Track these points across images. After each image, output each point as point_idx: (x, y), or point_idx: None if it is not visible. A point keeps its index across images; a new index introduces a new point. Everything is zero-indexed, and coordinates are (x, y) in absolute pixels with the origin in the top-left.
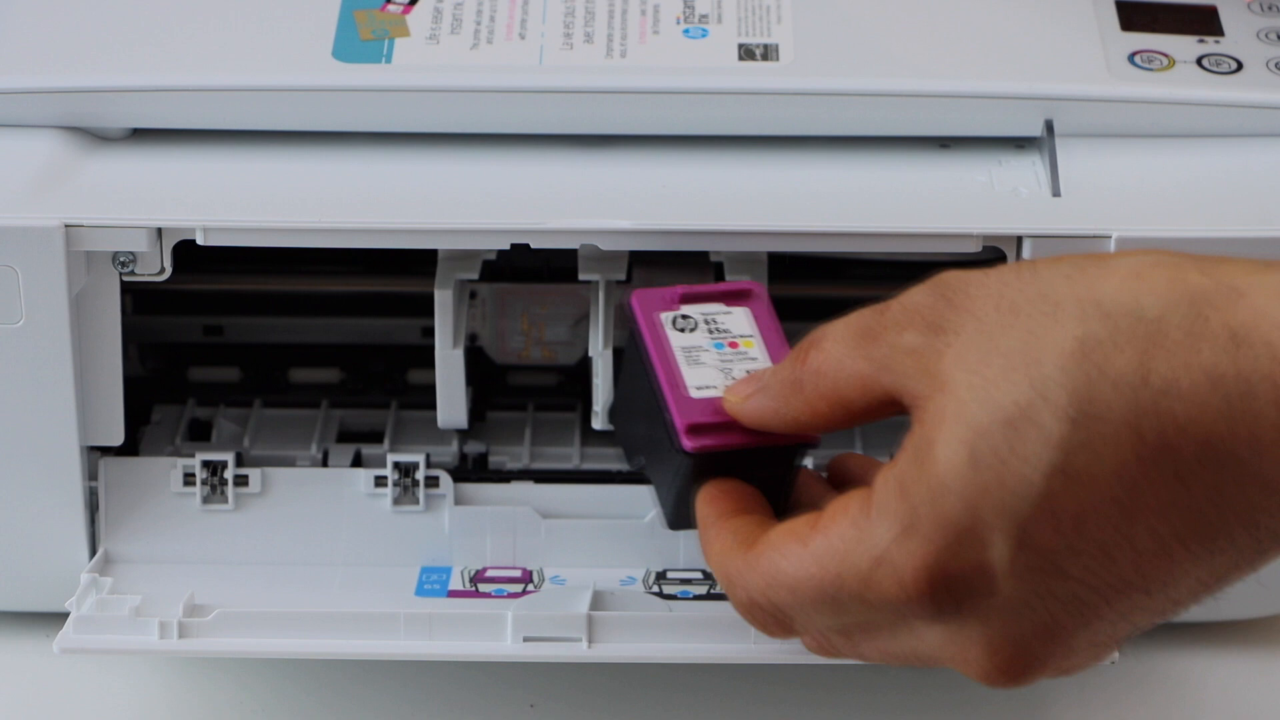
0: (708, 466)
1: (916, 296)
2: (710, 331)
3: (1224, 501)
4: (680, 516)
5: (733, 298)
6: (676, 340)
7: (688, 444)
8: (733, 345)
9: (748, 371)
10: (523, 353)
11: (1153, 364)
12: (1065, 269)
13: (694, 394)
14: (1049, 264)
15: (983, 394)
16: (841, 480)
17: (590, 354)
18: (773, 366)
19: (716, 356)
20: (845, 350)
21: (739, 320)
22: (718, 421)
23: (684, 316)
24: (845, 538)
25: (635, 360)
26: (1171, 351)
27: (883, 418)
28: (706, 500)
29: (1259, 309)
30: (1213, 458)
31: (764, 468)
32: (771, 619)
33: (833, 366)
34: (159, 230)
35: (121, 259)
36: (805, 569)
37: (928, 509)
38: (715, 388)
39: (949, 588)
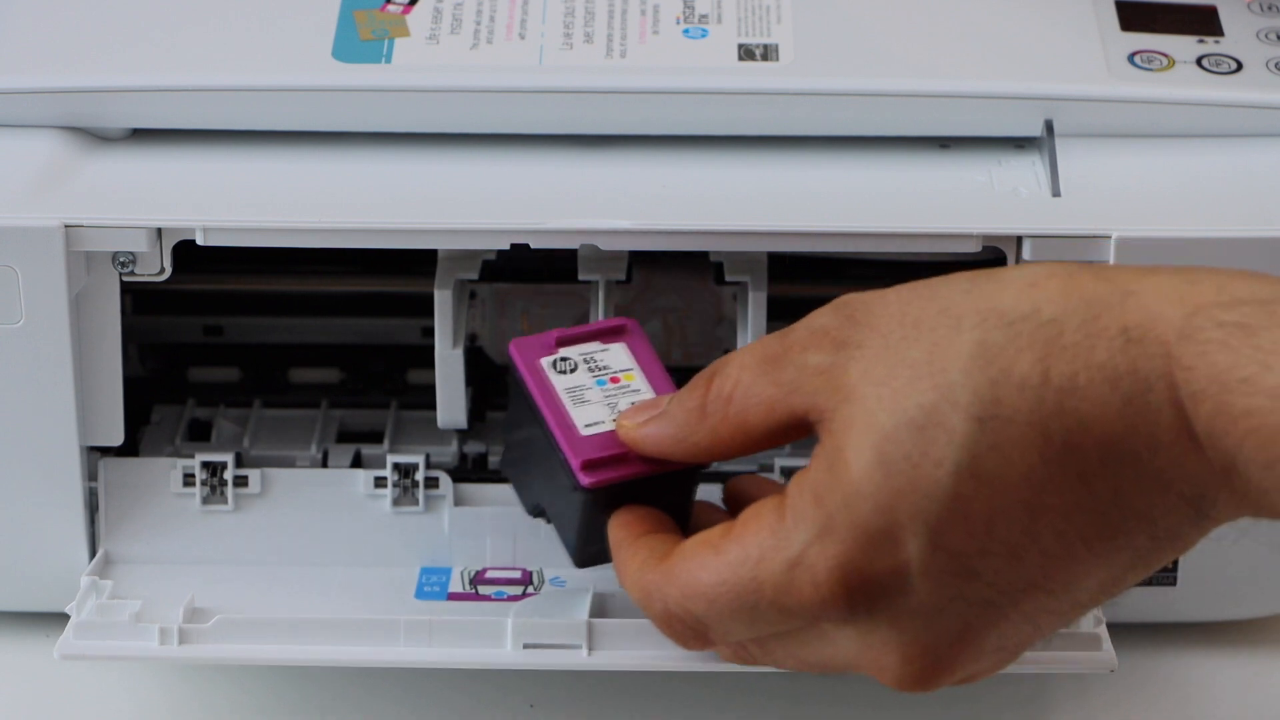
0: (606, 500)
1: (820, 319)
2: (591, 370)
3: (1124, 501)
4: (586, 554)
5: (608, 335)
6: (560, 382)
7: (584, 480)
8: (614, 380)
9: (633, 404)
10: None
11: (1053, 364)
12: (963, 284)
13: (584, 431)
14: (947, 281)
15: (890, 402)
16: (739, 504)
17: None
18: (674, 394)
19: (601, 393)
20: (752, 376)
21: (617, 356)
22: (611, 455)
23: (563, 359)
24: (761, 544)
25: (521, 408)
26: (1070, 352)
27: (785, 442)
28: (619, 525)
29: (1149, 308)
30: (1114, 457)
31: (661, 496)
32: (689, 630)
33: (740, 392)
34: (159, 230)
35: (121, 259)
36: (721, 577)
37: (842, 514)
38: (604, 423)
39: (864, 589)
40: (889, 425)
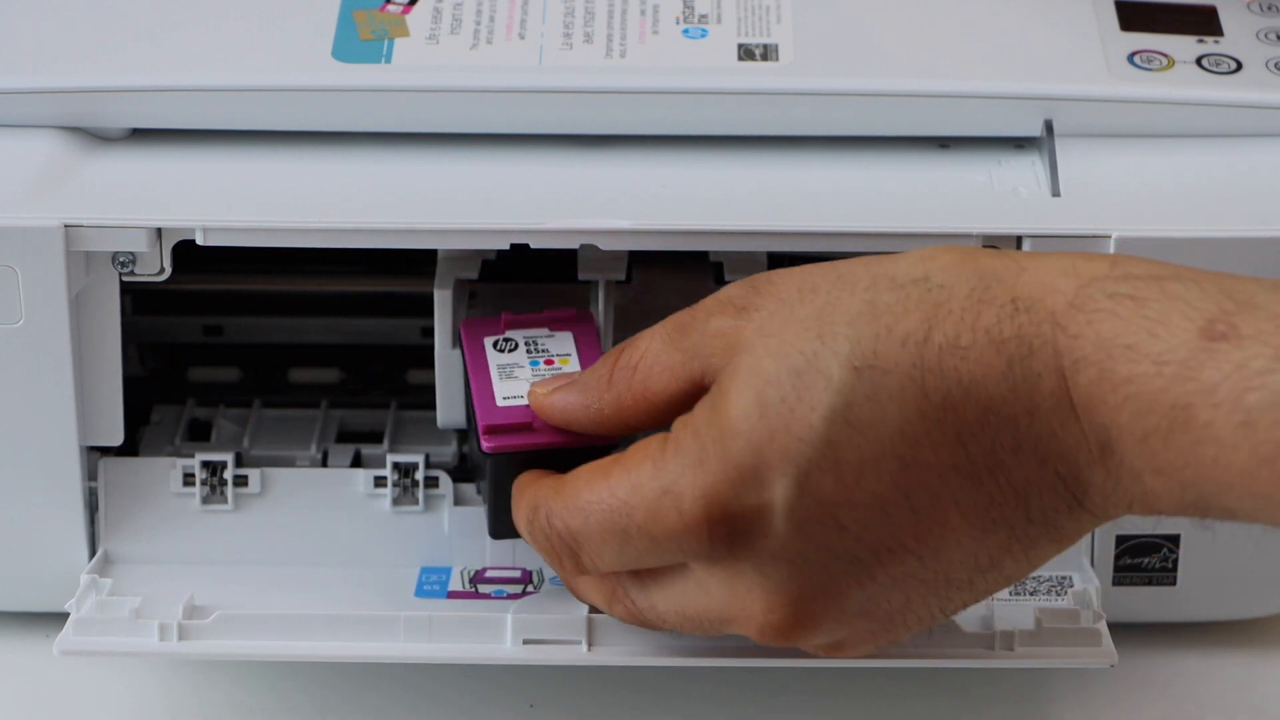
0: (509, 469)
1: (729, 290)
2: (529, 351)
3: (1000, 469)
4: (499, 524)
5: (558, 323)
6: (495, 359)
7: (486, 444)
8: (549, 363)
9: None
10: None
11: (936, 325)
12: (865, 258)
13: (500, 403)
14: (852, 260)
15: (776, 349)
16: None
17: None
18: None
19: (530, 372)
20: (660, 345)
21: (560, 342)
22: (517, 423)
23: (506, 339)
24: (640, 472)
25: (465, 383)
26: (957, 316)
27: (687, 410)
28: (527, 473)
29: (1041, 281)
30: (992, 422)
31: (568, 467)
32: (564, 546)
33: (646, 361)
34: (159, 230)
35: (121, 259)
36: (599, 495)
37: (715, 448)
38: (524, 397)
39: (726, 523)
40: (771, 370)
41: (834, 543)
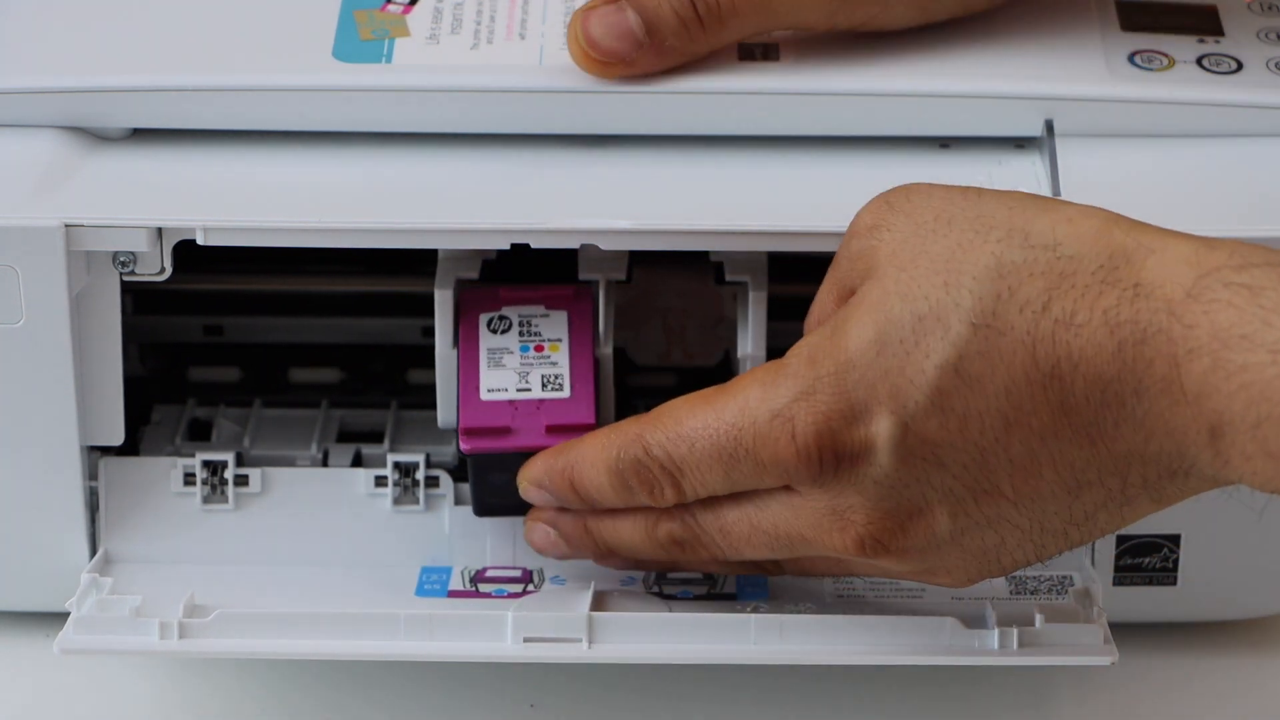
0: (487, 465)
1: (865, 209)
2: (522, 334)
3: (1102, 439)
4: (483, 505)
5: (555, 300)
6: (486, 342)
7: (464, 445)
8: (539, 349)
9: (543, 377)
10: None
11: (1056, 297)
12: (1009, 200)
13: (484, 396)
14: (995, 193)
15: (904, 288)
16: None
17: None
18: None
19: (519, 360)
20: (825, 283)
21: (555, 324)
22: (497, 426)
23: (501, 317)
24: (749, 396)
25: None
26: (1079, 291)
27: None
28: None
29: (1165, 266)
30: (1098, 397)
31: None
32: (665, 474)
33: (819, 300)
34: (159, 230)
35: (122, 259)
36: (706, 421)
37: (830, 379)
38: (507, 390)
39: (834, 451)
40: (895, 311)
41: (933, 476)
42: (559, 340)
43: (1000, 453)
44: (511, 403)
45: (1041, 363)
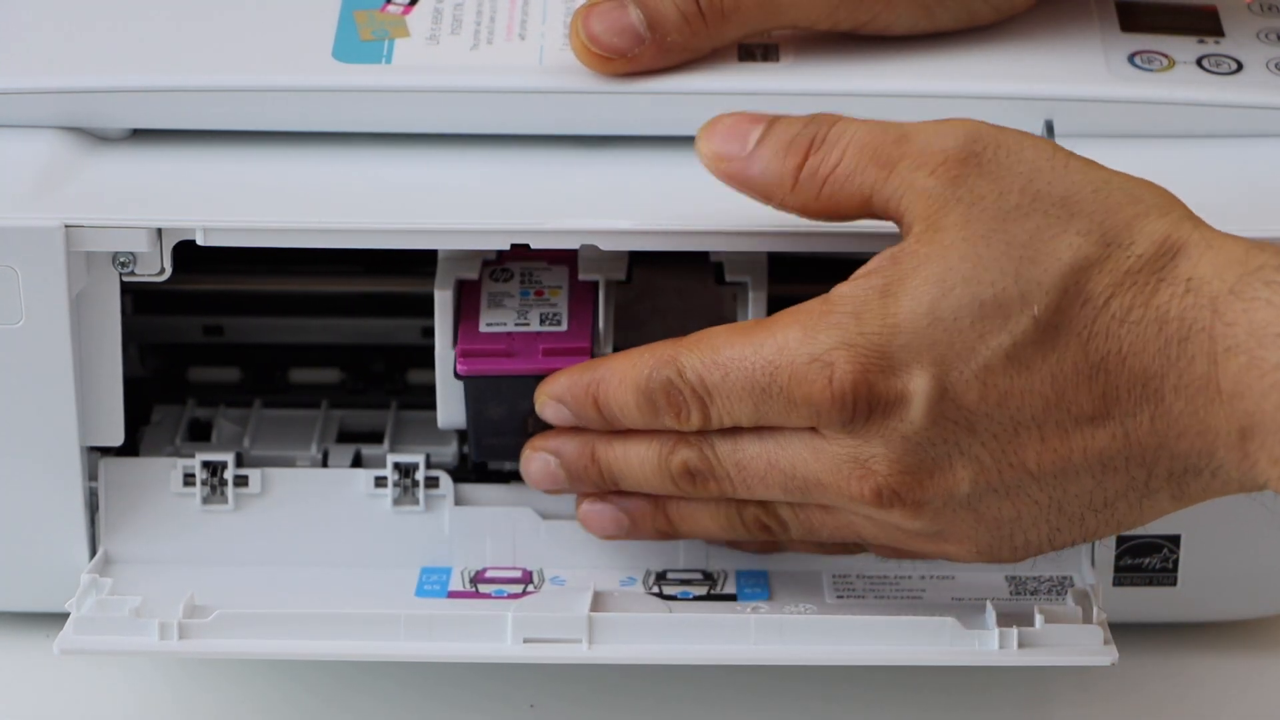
0: (484, 392)
1: (946, 140)
2: (523, 282)
3: (1136, 430)
4: (481, 446)
5: (557, 258)
6: (488, 288)
7: (460, 366)
8: (539, 294)
9: (541, 314)
10: None
11: (1118, 294)
12: (1096, 181)
13: (483, 328)
14: (1084, 168)
15: (971, 270)
16: None
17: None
18: (766, 143)
19: (519, 301)
20: (854, 163)
21: (556, 275)
22: (494, 349)
23: (504, 269)
24: (789, 336)
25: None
26: (1138, 287)
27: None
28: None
29: (1214, 263)
30: (1140, 390)
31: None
32: (694, 397)
33: (838, 175)
34: (159, 230)
35: (121, 259)
36: (743, 353)
37: (875, 338)
38: (506, 325)
39: (870, 399)
40: (958, 291)
41: (962, 439)
42: (559, 287)
43: (1034, 430)
44: (509, 334)
45: (1092, 355)
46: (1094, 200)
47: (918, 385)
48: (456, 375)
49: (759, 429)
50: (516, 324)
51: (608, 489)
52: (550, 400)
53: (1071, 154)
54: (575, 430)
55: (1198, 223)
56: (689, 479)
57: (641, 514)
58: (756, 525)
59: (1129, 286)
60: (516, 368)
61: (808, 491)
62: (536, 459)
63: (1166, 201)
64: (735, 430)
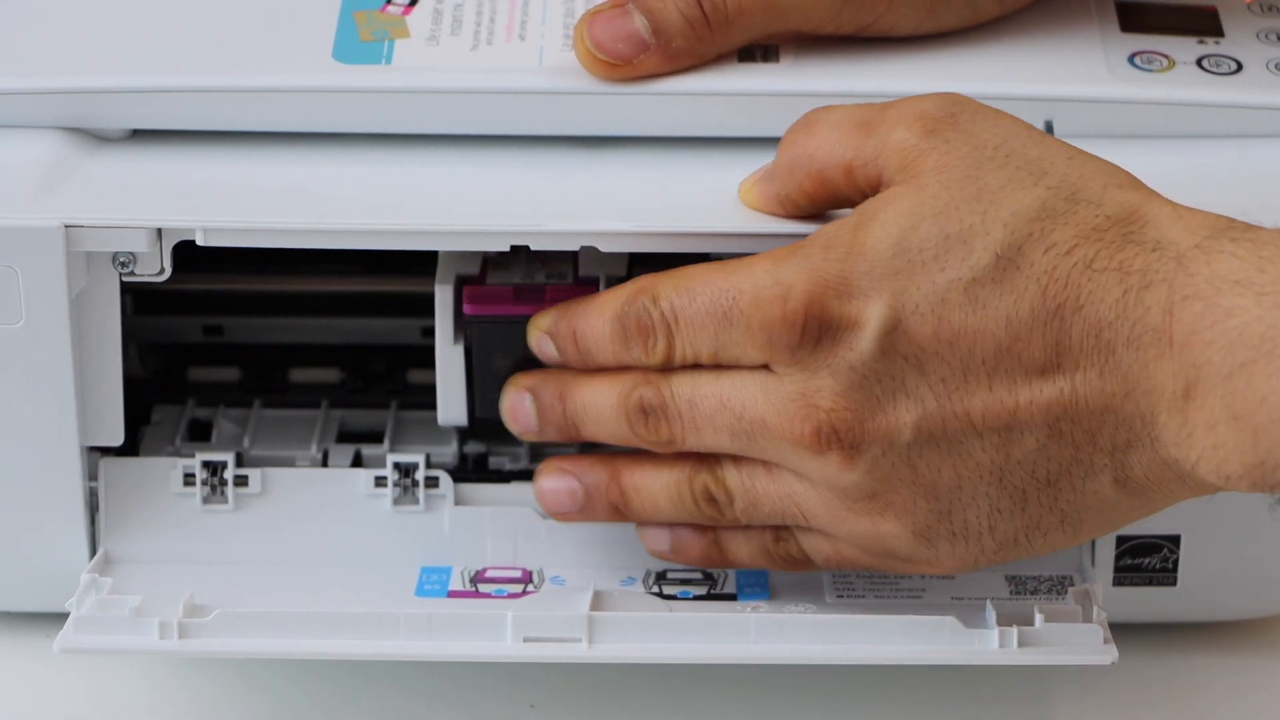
0: (488, 338)
1: (925, 104)
2: (528, 261)
3: (1085, 385)
4: (484, 400)
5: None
6: (494, 261)
7: (468, 308)
8: (544, 262)
9: (546, 274)
10: None
11: (1082, 244)
12: (1070, 151)
13: (489, 284)
14: (1059, 143)
15: (941, 206)
16: None
17: None
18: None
19: (525, 267)
20: (838, 137)
21: (559, 257)
22: (501, 295)
23: (509, 254)
24: (758, 265)
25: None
26: (1103, 243)
27: (864, 200)
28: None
29: (1186, 230)
30: (1093, 340)
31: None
32: (662, 325)
33: (824, 151)
34: (159, 230)
35: (121, 259)
36: (714, 281)
37: (837, 265)
38: (513, 279)
39: (821, 320)
40: (926, 225)
41: (909, 377)
42: (564, 262)
43: (983, 376)
44: (516, 285)
45: (1049, 300)
46: (1067, 165)
47: (872, 312)
48: (462, 320)
49: (717, 368)
50: (522, 280)
51: (570, 435)
52: (539, 333)
53: (1049, 134)
54: (554, 371)
55: (1168, 201)
56: (643, 418)
57: (596, 485)
58: (704, 497)
59: (1094, 240)
60: (522, 310)
61: (753, 436)
62: (512, 395)
63: (1138, 183)
64: (695, 369)
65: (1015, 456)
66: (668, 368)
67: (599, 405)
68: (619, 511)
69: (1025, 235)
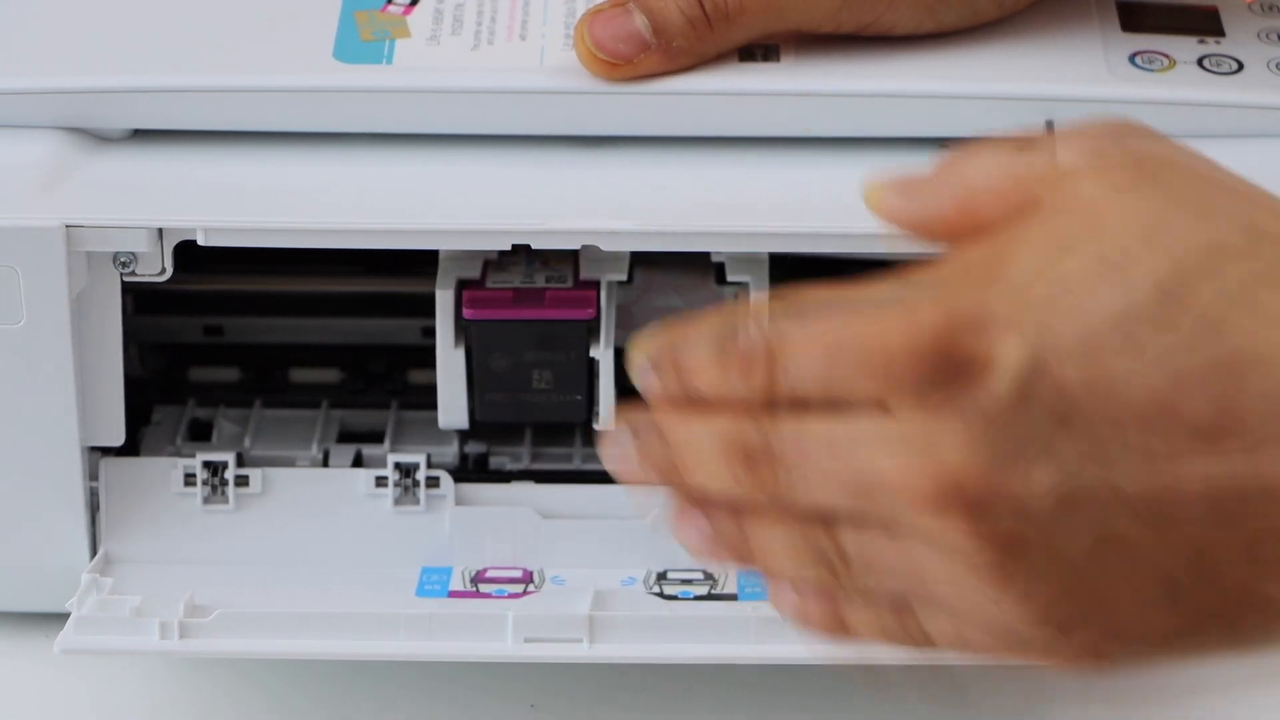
0: (488, 340)
1: (1094, 125)
2: (529, 261)
3: (1269, 465)
4: (483, 403)
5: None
6: (493, 264)
7: (467, 311)
8: (545, 263)
9: (547, 277)
10: None
11: (1264, 288)
12: (1248, 184)
13: (489, 286)
14: (1237, 175)
15: (1097, 229)
16: None
17: (592, 354)
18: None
19: (525, 267)
20: (994, 155)
21: (560, 257)
22: (500, 297)
23: (509, 254)
24: (884, 288)
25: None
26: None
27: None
28: None
29: None
30: (1275, 406)
31: (550, 349)
32: (765, 351)
33: (977, 168)
34: (160, 230)
35: (122, 259)
36: (825, 298)
37: (971, 292)
38: (513, 281)
39: (950, 354)
40: (1080, 249)
41: (1049, 432)
42: (565, 261)
43: (1136, 438)
44: (515, 288)
45: (1217, 344)
46: (1246, 199)
47: (1009, 349)
48: (462, 323)
49: (826, 405)
50: (522, 283)
51: (670, 478)
52: (642, 360)
53: (1224, 167)
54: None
55: None
56: (744, 461)
57: (720, 525)
58: (818, 559)
59: (1274, 284)
60: (522, 314)
61: (868, 494)
62: (613, 434)
63: None
64: (801, 409)
65: (1172, 542)
66: (773, 403)
67: (697, 447)
68: (743, 556)
69: (1194, 266)
